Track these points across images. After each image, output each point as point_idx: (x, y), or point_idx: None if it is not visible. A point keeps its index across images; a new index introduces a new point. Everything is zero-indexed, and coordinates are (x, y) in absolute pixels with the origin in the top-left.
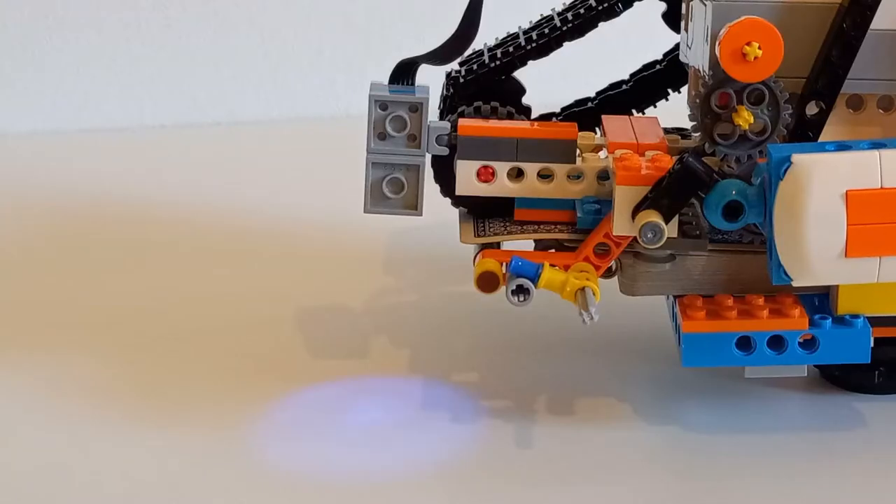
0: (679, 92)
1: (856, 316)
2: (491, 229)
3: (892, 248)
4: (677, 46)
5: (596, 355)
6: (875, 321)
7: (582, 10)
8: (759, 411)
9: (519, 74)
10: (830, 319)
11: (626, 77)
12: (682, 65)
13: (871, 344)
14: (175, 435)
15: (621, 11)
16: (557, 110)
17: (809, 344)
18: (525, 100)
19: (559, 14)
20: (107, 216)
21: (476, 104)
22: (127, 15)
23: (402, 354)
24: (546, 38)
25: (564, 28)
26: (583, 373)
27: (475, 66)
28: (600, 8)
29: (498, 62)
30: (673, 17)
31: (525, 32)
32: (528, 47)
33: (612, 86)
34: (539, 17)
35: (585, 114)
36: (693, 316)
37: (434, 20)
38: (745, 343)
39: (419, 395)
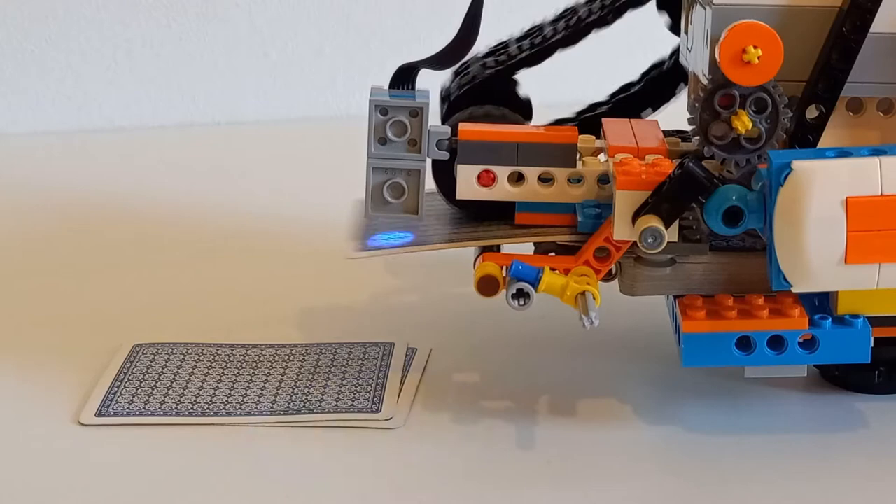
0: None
1: (856, 316)
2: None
3: (891, 255)
4: (652, 69)
5: (596, 355)
6: (875, 321)
7: (573, 20)
8: (759, 411)
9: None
10: (830, 319)
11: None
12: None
13: (871, 344)
14: (176, 433)
15: (612, 21)
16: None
17: (809, 344)
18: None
19: (550, 23)
20: (107, 216)
21: (469, 110)
22: (127, 15)
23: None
24: (537, 48)
25: (555, 38)
26: (583, 373)
27: (466, 80)
28: (591, 19)
29: (491, 70)
30: (678, 26)
31: (517, 41)
32: (519, 57)
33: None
34: (530, 27)
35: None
36: (693, 316)
37: (434, 21)
38: (745, 343)
39: (420, 396)
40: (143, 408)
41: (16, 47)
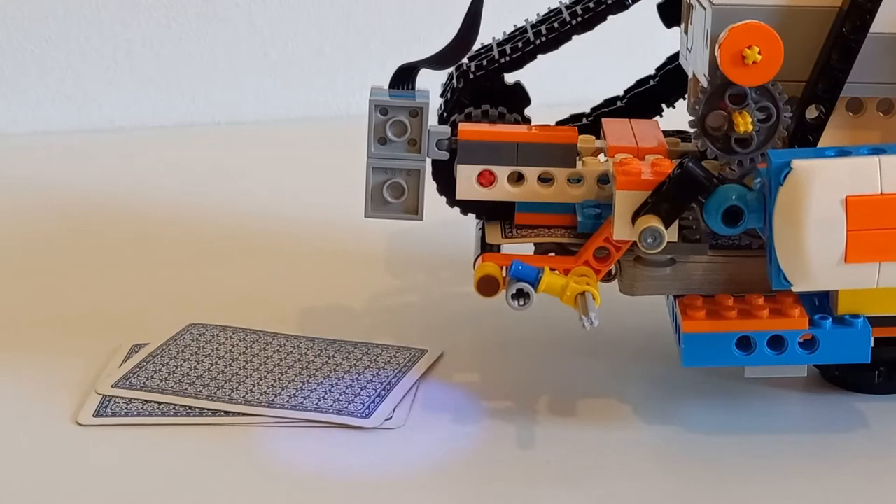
0: (674, 107)
1: (856, 316)
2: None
3: (891, 254)
4: (637, 86)
5: (596, 355)
6: (875, 321)
7: (591, 4)
8: (758, 411)
9: (519, 73)
10: (830, 319)
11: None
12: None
13: (871, 344)
14: (174, 433)
15: (631, 4)
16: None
17: (809, 344)
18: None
19: (567, 7)
20: (107, 216)
21: (483, 107)
22: (127, 15)
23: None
24: (555, 32)
25: (573, 22)
26: (583, 373)
27: (485, 62)
28: (609, 1)
29: (508, 58)
30: (667, 11)
31: (533, 27)
32: (538, 42)
33: (608, 101)
34: (547, 11)
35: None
36: (693, 316)
37: (434, 21)
38: (745, 343)
39: (419, 395)
40: (141, 408)
41: (16, 47)
